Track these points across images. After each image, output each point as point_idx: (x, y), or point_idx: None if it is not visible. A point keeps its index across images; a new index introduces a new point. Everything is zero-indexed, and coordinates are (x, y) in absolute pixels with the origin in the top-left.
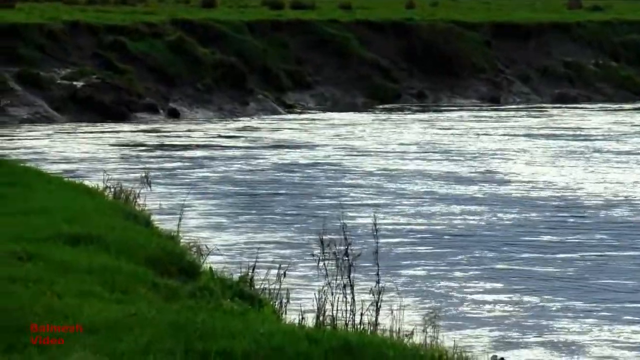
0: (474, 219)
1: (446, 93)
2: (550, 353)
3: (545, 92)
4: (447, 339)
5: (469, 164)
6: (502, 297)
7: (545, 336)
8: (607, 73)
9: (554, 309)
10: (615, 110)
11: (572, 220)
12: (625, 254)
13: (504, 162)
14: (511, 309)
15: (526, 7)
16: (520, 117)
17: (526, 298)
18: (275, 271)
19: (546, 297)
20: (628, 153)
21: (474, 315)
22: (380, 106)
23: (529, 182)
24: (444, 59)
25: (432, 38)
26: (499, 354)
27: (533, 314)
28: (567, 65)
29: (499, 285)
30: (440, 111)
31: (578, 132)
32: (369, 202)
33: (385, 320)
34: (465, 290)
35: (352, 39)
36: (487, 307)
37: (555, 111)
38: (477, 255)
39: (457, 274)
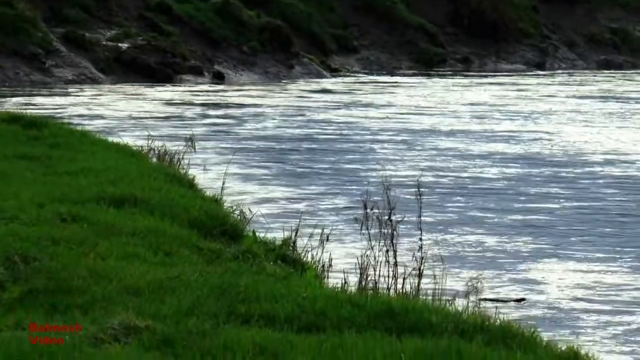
0: (519, 179)
1: (491, 58)
2: (604, 320)
3: (591, 58)
4: (490, 304)
5: (510, 124)
6: (547, 259)
7: (593, 302)
8: None
9: (607, 271)
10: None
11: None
12: None
13: (541, 122)
14: (559, 274)
15: None
16: (563, 81)
17: (573, 261)
18: (317, 234)
19: (598, 259)
20: None
21: (517, 280)
22: (426, 70)
23: (568, 141)
24: (490, 24)
25: (478, 3)
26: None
27: (581, 278)
28: (613, 32)
29: (544, 248)
30: (485, 76)
31: (616, 96)
32: (412, 161)
33: (427, 285)
34: (509, 253)
35: (398, 3)
36: (533, 271)
37: (599, 77)
38: (521, 216)
39: (501, 236)
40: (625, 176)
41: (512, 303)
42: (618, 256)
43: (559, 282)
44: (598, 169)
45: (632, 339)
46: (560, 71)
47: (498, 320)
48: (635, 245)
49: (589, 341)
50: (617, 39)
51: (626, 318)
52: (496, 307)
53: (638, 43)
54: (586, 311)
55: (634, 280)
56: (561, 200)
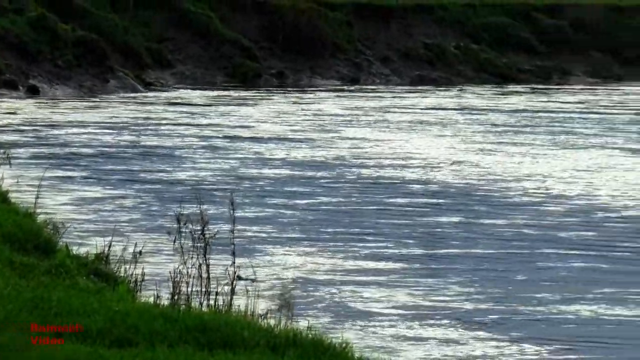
0: (329, 193)
1: (306, 73)
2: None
3: (405, 73)
4: (302, 319)
5: (313, 134)
6: (356, 274)
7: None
8: (467, 55)
9: (407, 284)
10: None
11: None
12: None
13: (341, 132)
14: (364, 287)
15: None
16: (371, 96)
17: (378, 274)
18: (131, 249)
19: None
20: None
21: (329, 295)
22: (239, 85)
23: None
24: (306, 39)
25: (294, 18)
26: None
27: (387, 291)
28: (427, 47)
29: (353, 262)
30: (297, 91)
31: (423, 109)
32: (225, 169)
33: (240, 300)
34: (320, 269)
35: (214, 18)
36: (342, 285)
37: (410, 91)
38: (333, 231)
39: (314, 251)
40: (397, 178)
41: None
42: (359, 244)
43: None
44: (375, 171)
45: (354, 315)
46: (374, 86)
47: (310, 335)
48: (372, 235)
49: (327, 319)
50: (432, 55)
51: (349, 295)
52: (308, 320)
53: (453, 59)
54: (325, 289)
55: (365, 265)
56: (337, 198)
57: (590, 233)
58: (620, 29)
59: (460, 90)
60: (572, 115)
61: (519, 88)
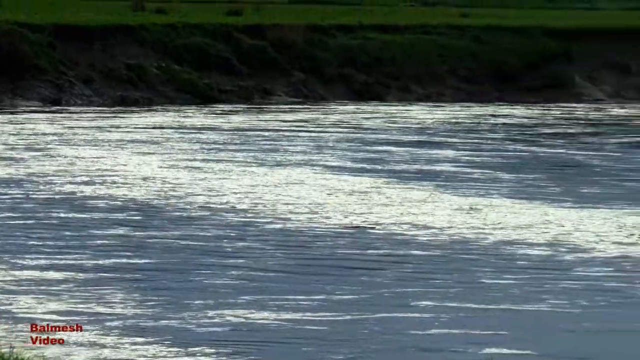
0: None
1: (8, 95)
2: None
3: (107, 94)
4: None
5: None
6: (25, 285)
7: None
8: (169, 76)
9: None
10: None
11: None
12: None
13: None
14: (32, 297)
15: (90, 9)
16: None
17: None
18: None
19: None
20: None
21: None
22: None
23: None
24: (7, 60)
25: None
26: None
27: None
28: (129, 68)
29: (24, 273)
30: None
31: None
32: None
33: None
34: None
35: None
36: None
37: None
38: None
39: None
40: (83, 193)
41: None
42: (27, 256)
43: None
44: (64, 187)
45: None
46: (75, 107)
47: (12, 357)
48: (47, 248)
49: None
50: (134, 75)
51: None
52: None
53: (154, 79)
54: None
55: (34, 276)
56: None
57: (249, 244)
58: (322, 48)
59: (164, 110)
60: (281, 133)
61: (228, 107)
